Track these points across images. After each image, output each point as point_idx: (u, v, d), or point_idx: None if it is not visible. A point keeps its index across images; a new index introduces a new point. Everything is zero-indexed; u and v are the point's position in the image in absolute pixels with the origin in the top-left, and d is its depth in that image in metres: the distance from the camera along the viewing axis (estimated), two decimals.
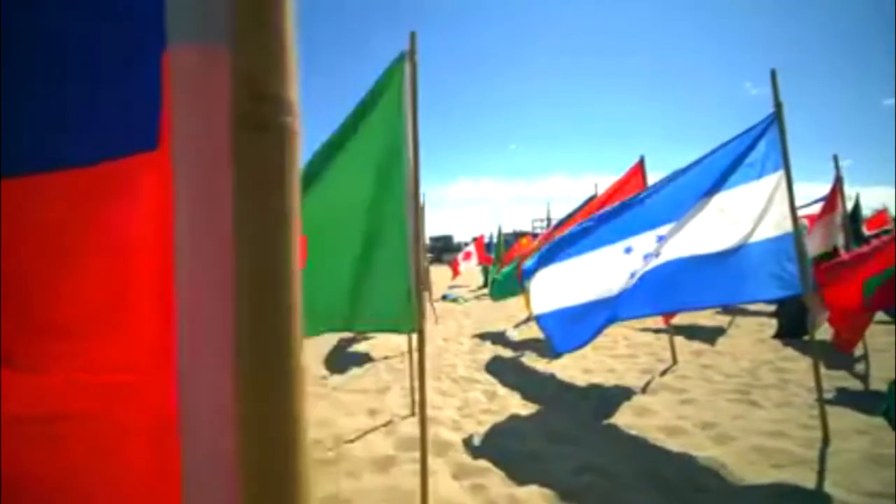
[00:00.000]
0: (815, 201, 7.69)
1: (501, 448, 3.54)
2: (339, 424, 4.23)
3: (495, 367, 6.08)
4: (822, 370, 5.22)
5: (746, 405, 4.23)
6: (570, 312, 3.75)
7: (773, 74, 3.57)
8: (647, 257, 3.73)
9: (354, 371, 6.21)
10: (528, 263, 4.43)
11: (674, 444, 3.49)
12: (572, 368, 5.86)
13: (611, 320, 3.91)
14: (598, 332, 3.81)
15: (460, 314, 11.72)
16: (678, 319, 8.28)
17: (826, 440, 3.38)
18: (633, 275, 3.73)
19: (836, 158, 6.28)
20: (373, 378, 5.82)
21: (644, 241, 3.78)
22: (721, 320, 8.78)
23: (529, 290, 4.04)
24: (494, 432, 3.90)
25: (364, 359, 6.85)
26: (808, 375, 4.99)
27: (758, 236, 3.56)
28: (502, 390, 5.04)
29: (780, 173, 3.54)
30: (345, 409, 4.68)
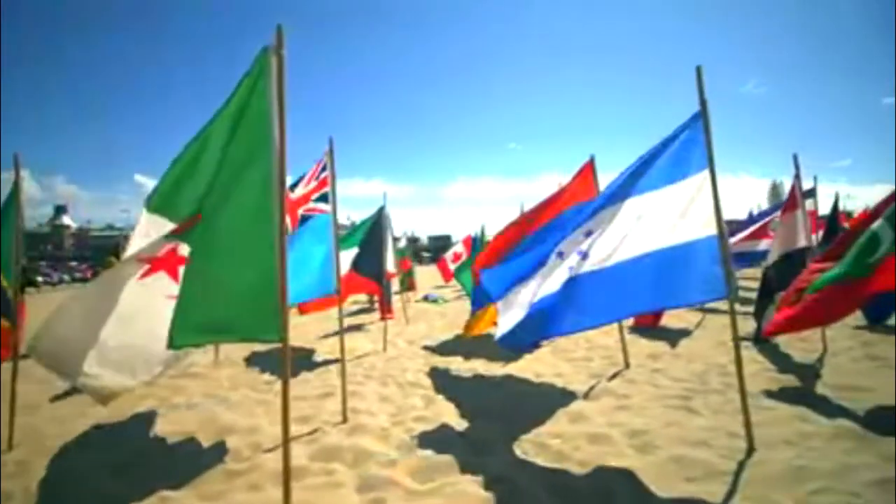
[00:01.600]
0: (775, 207, 7.58)
1: (420, 458, 3.43)
2: (265, 432, 4.12)
3: (446, 372, 5.97)
4: (762, 371, 5.19)
5: (683, 412, 4.12)
6: (522, 324, 3.68)
7: (699, 72, 3.45)
8: (579, 253, 3.63)
9: (305, 375, 6.10)
10: (488, 279, 4.36)
11: (595, 454, 3.38)
12: (524, 372, 5.75)
13: (551, 334, 3.82)
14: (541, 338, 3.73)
15: (435, 315, 11.61)
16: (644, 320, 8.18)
17: (750, 450, 3.27)
18: (569, 269, 3.63)
19: (795, 157, 6.18)
20: (320, 382, 5.71)
21: (573, 241, 3.68)
22: (691, 320, 8.70)
23: (499, 311, 3.97)
24: (420, 441, 3.77)
25: (319, 363, 6.76)
26: (756, 380, 4.92)
27: (683, 238, 3.44)
28: (444, 396, 4.93)
29: (705, 173, 3.42)
30: (277, 416, 4.56)
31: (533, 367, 6.00)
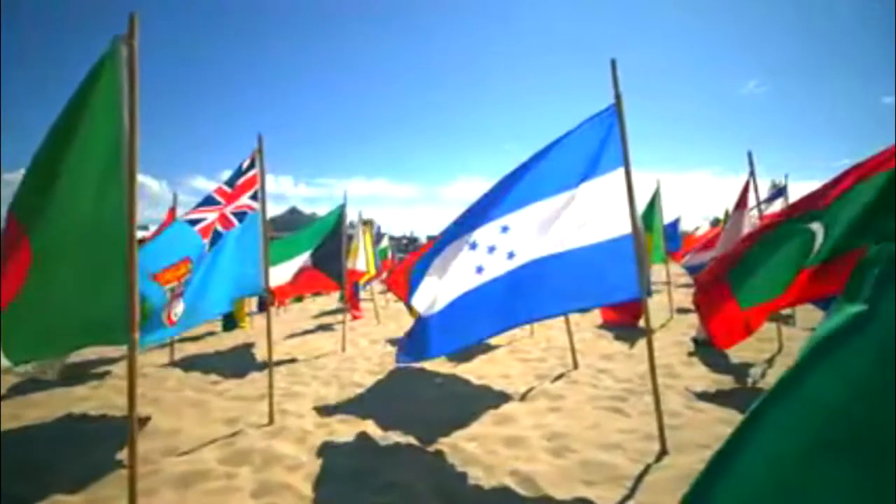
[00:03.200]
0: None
1: (326, 464, 3.35)
2: (187, 434, 4.05)
3: (393, 372, 5.89)
4: (708, 373, 5.11)
5: (612, 413, 4.03)
6: (434, 319, 3.58)
7: (613, 64, 3.36)
8: (491, 250, 3.53)
9: (253, 375, 6.03)
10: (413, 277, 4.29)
11: (506, 458, 3.29)
12: (472, 372, 5.67)
13: (467, 341, 3.71)
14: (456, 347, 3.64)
15: (408, 315, 11.50)
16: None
17: (662, 454, 3.19)
18: (479, 270, 3.53)
19: (750, 155, 6.08)
20: (264, 384, 5.59)
21: (487, 234, 3.58)
22: (663, 318, 8.63)
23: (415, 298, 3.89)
24: (333, 446, 3.68)
25: (273, 363, 6.67)
26: (698, 381, 4.84)
27: (599, 237, 3.35)
28: (381, 397, 4.86)
29: (620, 170, 3.33)
30: (208, 417, 4.50)
31: (483, 367, 5.91)
